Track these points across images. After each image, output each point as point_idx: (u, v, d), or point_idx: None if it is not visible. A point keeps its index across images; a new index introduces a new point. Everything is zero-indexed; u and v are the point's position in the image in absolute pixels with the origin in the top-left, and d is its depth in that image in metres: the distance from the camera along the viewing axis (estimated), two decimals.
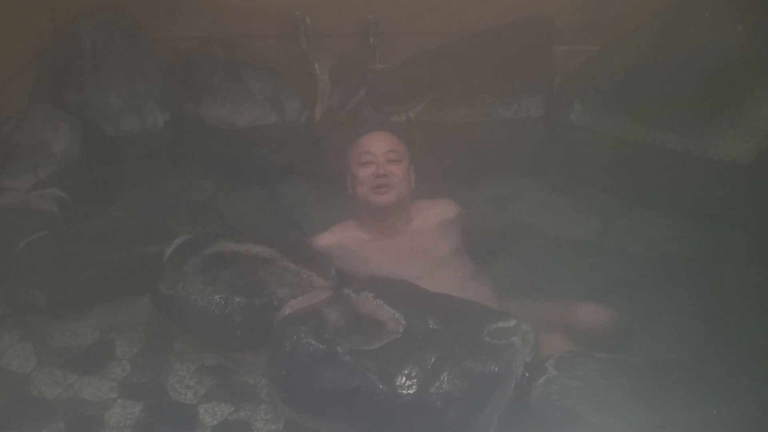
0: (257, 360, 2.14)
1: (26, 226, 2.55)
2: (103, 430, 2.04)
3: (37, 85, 3.49)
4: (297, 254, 2.35)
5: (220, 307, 2.14)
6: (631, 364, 1.94)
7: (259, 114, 3.54)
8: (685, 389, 1.86)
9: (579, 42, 3.61)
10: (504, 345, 1.93)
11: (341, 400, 1.91)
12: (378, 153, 2.45)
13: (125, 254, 2.41)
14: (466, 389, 1.85)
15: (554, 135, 3.47)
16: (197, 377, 2.19)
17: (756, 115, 3.02)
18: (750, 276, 2.58)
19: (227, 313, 2.14)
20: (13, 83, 3.36)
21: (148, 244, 2.43)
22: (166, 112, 3.53)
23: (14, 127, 3.14)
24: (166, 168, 3.38)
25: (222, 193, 3.22)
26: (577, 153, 3.40)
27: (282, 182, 3.28)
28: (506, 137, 3.45)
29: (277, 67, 3.63)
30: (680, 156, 3.14)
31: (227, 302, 2.14)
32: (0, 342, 2.32)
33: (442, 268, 2.43)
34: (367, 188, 2.45)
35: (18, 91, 3.39)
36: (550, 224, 2.92)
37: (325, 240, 2.50)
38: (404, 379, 1.85)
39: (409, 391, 1.84)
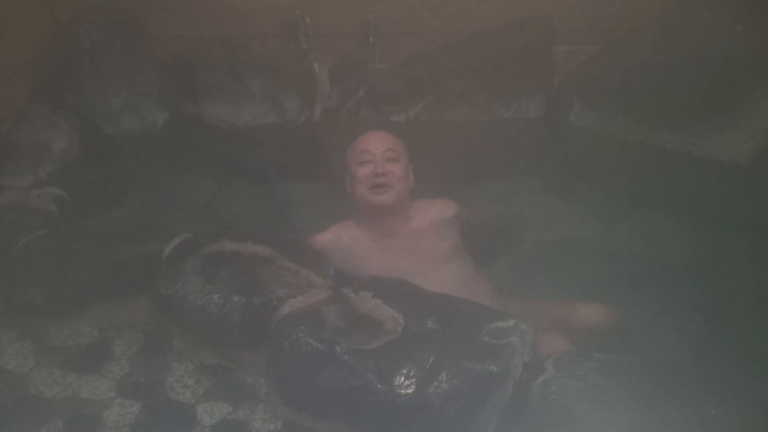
0: (256, 359, 2.14)
1: (25, 225, 2.55)
2: (102, 429, 2.05)
3: (36, 85, 3.49)
4: (296, 254, 2.36)
5: (218, 307, 2.14)
6: (630, 364, 1.94)
7: (258, 113, 3.54)
8: (684, 389, 1.86)
9: (579, 42, 3.60)
10: (503, 345, 1.93)
11: (340, 399, 1.91)
12: (376, 152, 2.46)
13: (124, 253, 2.41)
14: (465, 389, 1.84)
15: (554, 135, 3.46)
16: (196, 376, 2.19)
17: (756, 115, 3.02)
18: (749, 276, 2.58)
19: (226, 313, 2.14)
20: (12, 82, 3.36)
21: (147, 243, 2.43)
22: (165, 112, 3.53)
23: (14, 126, 3.14)
24: (165, 167, 3.38)
25: (221, 192, 3.22)
26: (576, 153, 3.39)
27: (281, 182, 3.29)
28: (506, 137, 3.44)
29: (276, 66, 3.63)
30: (680, 156, 3.13)
31: (226, 301, 2.15)
32: None
33: (441, 267, 2.43)
34: (365, 187, 2.45)
35: (18, 91, 3.40)
36: (549, 224, 2.92)
37: (324, 239, 2.50)
38: (403, 378, 1.85)
39: (407, 391, 1.84)
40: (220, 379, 2.18)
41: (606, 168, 3.26)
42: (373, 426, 1.91)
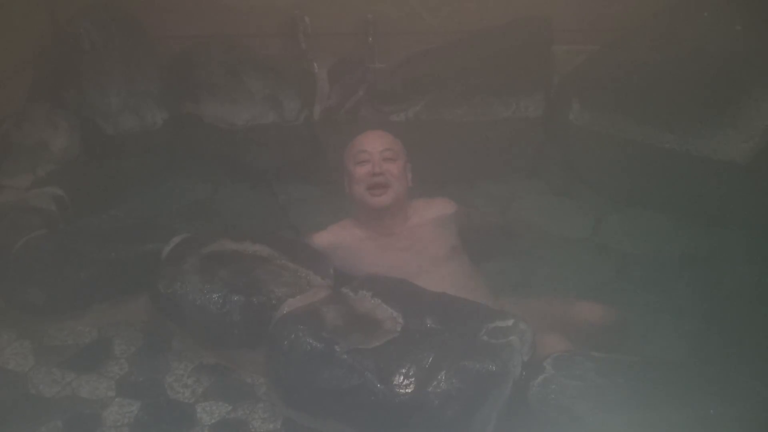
0: (255, 359, 2.14)
1: (24, 224, 2.55)
2: (101, 428, 2.04)
3: (36, 84, 3.49)
4: (295, 253, 2.36)
5: (218, 306, 2.15)
6: (628, 364, 1.94)
7: (257, 113, 3.54)
8: (683, 388, 1.86)
9: (578, 42, 3.61)
10: (502, 344, 1.93)
11: (339, 398, 1.91)
12: (374, 152, 2.46)
13: (123, 253, 2.41)
14: (464, 388, 1.85)
15: (553, 135, 3.47)
16: (195, 376, 2.19)
17: (754, 115, 3.02)
18: (748, 275, 2.58)
19: (225, 312, 2.14)
20: (12, 82, 3.36)
21: (146, 242, 2.43)
22: (164, 111, 3.53)
23: (13, 125, 3.14)
24: (164, 167, 3.38)
25: (220, 191, 3.22)
26: (575, 153, 3.40)
27: (280, 181, 3.28)
28: (505, 137, 3.45)
29: (276, 66, 3.63)
30: (679, 156, 3.13)
31: (225, 301, 2.15)
32: None
33: (440, 266, 2.43)
34: (363, 188, 2.45)
35: (17, 90, 3.39)
36: (548, 223, 2.91)
37: (322, 238, 2.51)
38: (402, 377, 1.85)
39: (406, 390, 1.84)
40: (220, 379, 2.18)
41: (605, 167, 3.26)
42: (372, 425, 1.91)
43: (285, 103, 3.54)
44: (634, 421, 1.78)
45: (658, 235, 2.84)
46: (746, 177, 3.00)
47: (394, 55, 3.66)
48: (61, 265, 2.37)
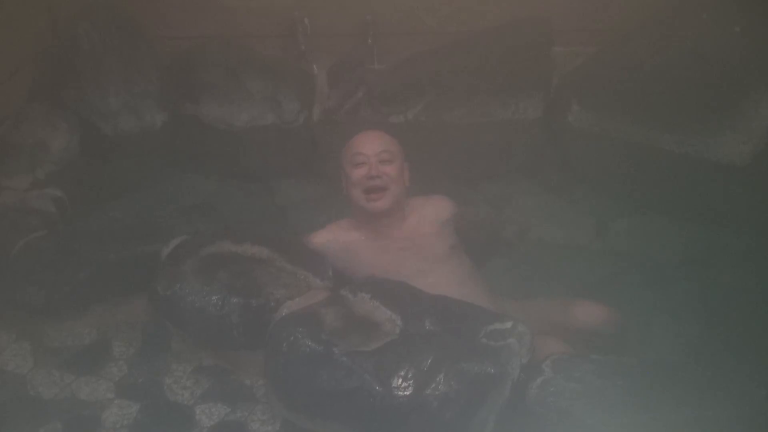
0: (254, 360, 2.14)
1: (24, 225, 2.55)
2: (100, 430, 2.05)
3: (35, 84, 3.49)
4: (294, 255, 2.36)
5: (217, 308, 2.15)
6: (627, 366, 1.95)
7: (257, 114, 3.54)
8: (682, 390, 1.86)
9: (577, 43, 3.60)
10: (500, 346, 1.93)
11: (338, 400, 1.91)
12: (370, 154, 2.45)
13: (123, 254, 2.41)
14: (462, 390, 1.85)
15: (552, 136, 3.47)
16: (194, 378, 2.19)
17: (753, 116, 3.02)
18: (747, 277, 2.58)
19: (224, 314, 2.14)
20: (11, 82, 3.35)
21: (145, 244, 2.44)
22: (164, 112, 3.53)
23: (12, 126, 3.14)
24: (163, 168, 3.38)
25: (220, 193, 3.21)
26: (574, 154, 3.40)
27: (280, 182, 3.28)
28: (504, 138, 3.45)
29: (275, 67, 3.63)
30: (678, 157, 3.14)
31: (224, 303, 2.15)
32: None
33: (438, 266, 2.43)
34: (360, 190, 2.45)
35: (16, 90, 3.39)
36: (547, 225, 2.91)
37: (320, 239, 2.50)
38: (401, 380, 1.85)
39: (405, 392, 1.84)
40: (219, 380, 2.18)
41: (604, 169, 3.26)
42: (370, 427, 1.91)
43: (284, 104, 3.54)
44: (633, 423, 1.78)
45: (656, 236, 2.84)
46: (745, 179, 3.00)
47: (393, 56, 3.66)
48: (61, 266, 2.37)
